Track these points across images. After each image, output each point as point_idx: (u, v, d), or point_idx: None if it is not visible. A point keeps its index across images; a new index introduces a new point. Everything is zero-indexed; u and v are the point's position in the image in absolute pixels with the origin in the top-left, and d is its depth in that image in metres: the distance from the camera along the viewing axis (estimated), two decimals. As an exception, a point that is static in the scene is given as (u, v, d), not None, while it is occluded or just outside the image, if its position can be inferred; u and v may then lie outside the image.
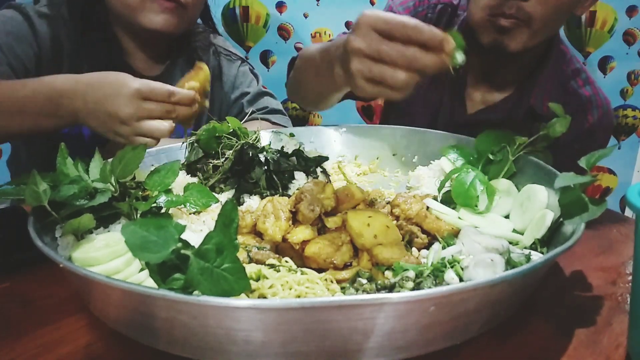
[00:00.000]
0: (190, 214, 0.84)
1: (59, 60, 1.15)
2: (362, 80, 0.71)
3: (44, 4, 1.16)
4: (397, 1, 1.32)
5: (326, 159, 1.07)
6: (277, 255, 0.73)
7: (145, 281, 0.65)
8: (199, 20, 1.38)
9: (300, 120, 2.15)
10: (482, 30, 1.13)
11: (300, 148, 1.06)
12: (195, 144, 0.97)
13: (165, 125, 0.86)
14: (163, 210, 0.80)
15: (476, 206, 0.83)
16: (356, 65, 0.70)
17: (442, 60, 0.68)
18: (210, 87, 1.33)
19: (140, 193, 0.80)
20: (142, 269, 0.69)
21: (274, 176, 0.95)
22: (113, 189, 0.76)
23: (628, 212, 1.84)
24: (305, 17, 1.98)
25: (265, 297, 0.61)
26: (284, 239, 0.75)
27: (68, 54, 1.16)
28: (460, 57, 0.69)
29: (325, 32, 2.01)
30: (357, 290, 0.66)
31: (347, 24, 1.99)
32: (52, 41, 1.13)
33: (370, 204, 0.83)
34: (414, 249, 0.76)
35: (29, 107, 0.92)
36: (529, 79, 1.22)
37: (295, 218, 0.77)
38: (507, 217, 0.84)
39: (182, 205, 0.80)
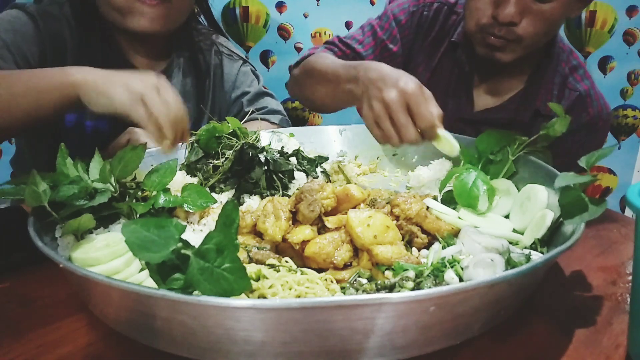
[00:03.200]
0: (190, 214, 0.84)
1: (63, 58, 1.16)
2: (370, 115, 0.90)
3: (47, 3, 1.16)
4: (394, 5, 1.34)
5: (326, 159, 1.07)
6: (277, 255, 0.73)
7: (145, 281, 0.65)
8: (202, 20, 1.38)
9: (300, 120, 2.15)
10: (475, 42, 1.17)
11: (300, 148, 1.06)
12: (195, 144, 0.97)
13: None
14: (163, 210, 0.80)
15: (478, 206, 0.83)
16: (376, 105, 0.88)
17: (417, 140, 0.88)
18: (210, 84, 1.34)
19: (139, 193, 0.80)
20: (142, 269, 0.69)
21: (274, 176, 0.95)
22: (113, 189, 0.76)
23: (628, 212, 1.84)
24: (305, 17, 1.98)
25: (265, 297, 0.61)
26: (284, 239, 0.75)
27: (71, 51, 1.16)
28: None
29: (325, 32, 2.01)
30: (357, 290, 0.66)
31: (347, 24, 1.99)
32: (56, 39, 1.14)
33: (370, 204, 0.83)
34: (414, 249, 0.76)
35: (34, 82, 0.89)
36: (534, 79, 1.23)
37: (295, 218, 0.77)
38: (507, 217, 0.84)
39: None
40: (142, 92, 0.81)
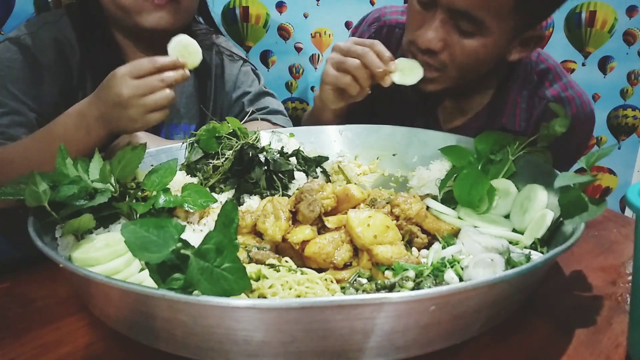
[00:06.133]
0: (190, 214, 0.83)
1: (69, 77, 1.17)
2: (331, 69, 1.03)
3: (41, 23, 1.15)
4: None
5: (326, 159, 1.07)
6: (277, 255, 0.73)
7: (145, 281, 0.65)
8: (201, 20, 1.38)
9: (300, 120, 2.15)
10: None
11: (300, 148, 1.06)
12: (195, 144, 0.97)
13: (166, 91, 0.89)
14: (163, 211, 0.80)
15: (479, 206, 0.83)
16: (328, 64, 1.03)
17: (383, 76, 0.99)
18: (212, 84, 1.34)
19: (139, 193, 0.80)
20: (142, 269, 0.69)
21: (274, 176, 0.95)
22: (113, 189, 0.75)
23: (628, 212, 1.84)
24: (305, 17, 1.98)
25: (265, 297, 0.61)
26: (284, 239, 0.75)
27: (76, 68, 1.17)
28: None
29: (325, 32, 2.01)
30: (357, 290, 0.66)
31: (347, 24, 1.99)
32: (57, 64, 1.14)
33: (370, 204, 0.83)
34: (414, 249, 0.76)
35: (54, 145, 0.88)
36: (500, 95, 1.17)
37: (295, 218, 0.77)
38: (507, 217, 0.84)
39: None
40: (129, 103, 0.87)
